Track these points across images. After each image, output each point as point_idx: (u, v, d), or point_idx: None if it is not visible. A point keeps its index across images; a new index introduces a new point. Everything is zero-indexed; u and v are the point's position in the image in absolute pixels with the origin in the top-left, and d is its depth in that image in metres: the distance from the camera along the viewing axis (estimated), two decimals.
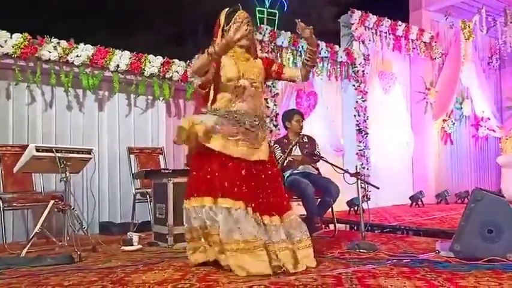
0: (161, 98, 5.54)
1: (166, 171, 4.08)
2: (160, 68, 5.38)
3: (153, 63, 5.35)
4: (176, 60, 5.54)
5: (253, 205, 2.62)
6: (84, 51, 4.88)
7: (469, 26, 8.18)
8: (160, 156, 5.29)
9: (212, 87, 2.81)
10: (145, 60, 5.30)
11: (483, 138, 8.78)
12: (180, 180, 3.88)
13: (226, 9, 2.86)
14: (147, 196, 4.62)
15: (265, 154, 2.78)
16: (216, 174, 2.65)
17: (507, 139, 7.87)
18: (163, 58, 5.44)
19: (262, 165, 2.76)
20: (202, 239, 2.74)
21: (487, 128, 8.60)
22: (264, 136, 2.84)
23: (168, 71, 5.44)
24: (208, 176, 2.68)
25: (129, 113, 5.41)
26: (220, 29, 2.82)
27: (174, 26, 11.11)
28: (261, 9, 6.62)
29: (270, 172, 2.78)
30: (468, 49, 8.26)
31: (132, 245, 3.66)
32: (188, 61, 5.63)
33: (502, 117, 8.86)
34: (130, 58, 5.19)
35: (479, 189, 2.91)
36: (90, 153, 3.73)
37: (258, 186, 2.70)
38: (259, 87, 2.85)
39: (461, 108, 8.44)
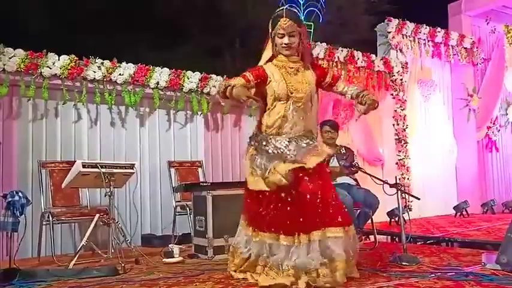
0: (199, 113, 5.66)
1: (205, 184, 4.16)
2: (198, 84, 5.51)
3: (192, 78, 5.49)
4: (213, 75, 5.66)
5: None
6: (126, 70, 5.08)
7: None
8: (200, 170, 5.39)
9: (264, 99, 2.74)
10: (183, 76, 5.44)
11: None
12: (219, 193, 3.95)
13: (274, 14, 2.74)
14: (187, 209, 4.72)
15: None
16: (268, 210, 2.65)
17: None
18: (201, 73, 5.57)
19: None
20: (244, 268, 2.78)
21: None
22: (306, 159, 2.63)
23: (205, 86, 5.56)
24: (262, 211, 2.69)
25: (169, 128, 5.56)
26: (269, 35, 2.75)
27: (211, 40, 11.31)
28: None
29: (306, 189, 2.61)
30: None
31: (173, 257, 3.74)
32: (225, 76, 5.74)
33: None
34: (169, 75, 5.35)
35: None
36: (132, 168, 3.87)
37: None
38: (310, 104, 2.72)
39: (507, 114, 8.11)
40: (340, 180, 4.33)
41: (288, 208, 2.58)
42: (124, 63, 5.10)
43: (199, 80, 5.53)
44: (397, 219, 5.60)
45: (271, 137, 2.69)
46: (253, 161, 2.70)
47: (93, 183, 3.76)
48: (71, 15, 10.68)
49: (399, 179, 5.67)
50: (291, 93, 2.66)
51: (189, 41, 11.35)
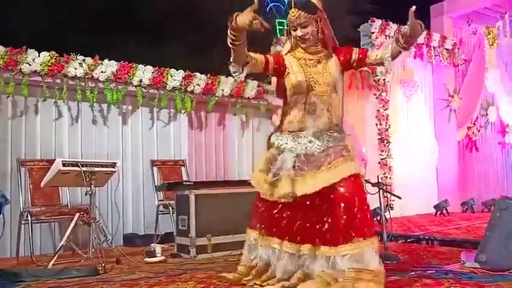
0: (183, 111, 5.62)
1: (188, 183, 4.13)
2: (182, 82, 5.48)
3: (175, 76, 5.45)
4: (198, 74, 5.63)
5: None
6: (108, 67, 5.01)
7: (492, 32, 8.04)
8: (183, 169, 5.36)
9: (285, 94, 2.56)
10: (167, 74, 5.40)
11: (510, 145, 8.56)
12: (202, 192, 3.93)
13: None
14: (170, 208, 4.68)
15: (326, 180, 2.34)
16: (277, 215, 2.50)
17: None
18: (185, 72, 5.54)
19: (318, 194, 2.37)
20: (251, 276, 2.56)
21: None
22: (330, 160, 2.40)
23: (189, 84, 5.53)
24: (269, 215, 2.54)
25: (152, 126, 5.51)
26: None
27: (196, 39, 11.26)
28: (281, 20, 6.68)
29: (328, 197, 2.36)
30: (492, 55, 8.12)
31: (155, 256, 3.71)
32: (209, 74, 5.72)
33: None
34: (153, 72, 5.30)
35: (504, 198, 2.85)
36: (114, 167, 3.82)
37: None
38: (334, 94, 2.50)
39: (487, 114, 8.27)
40: None
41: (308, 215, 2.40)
42: (106, 61, 5.03)
43: (183, 78, 5.49)
44: (378, 218, 5.65)
45: (293, 133, 2.47)
46: (272, 161, 2.51)
47: (73, 182, 3.70)
48: (57, 14, 10.51)
49: (381, 178, 5.73)
50: (311, 86, 2.46)
51: (173, 40, 11.28)
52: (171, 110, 5.62)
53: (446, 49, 7.71)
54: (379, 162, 6.76)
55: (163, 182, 4.82)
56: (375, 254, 2.26)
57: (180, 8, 11.23)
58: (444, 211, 6.71)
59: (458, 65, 7.90)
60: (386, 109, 6.90)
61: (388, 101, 6.94)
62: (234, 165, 6.05)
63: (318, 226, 2.37)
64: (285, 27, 6.65)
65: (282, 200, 2.43)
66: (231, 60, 2.37)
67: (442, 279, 2.54)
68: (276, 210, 2.47)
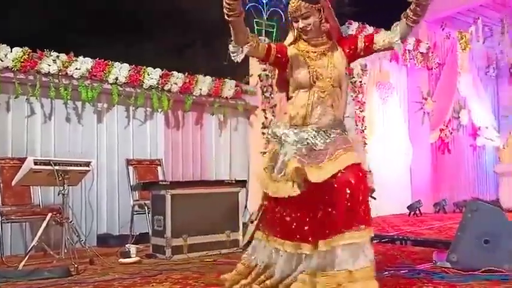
0: (160, 110, 5.57)
1: (165, 183, 4.09)
2: (159, 80, 5.42)
3: (152, 75, 5.39)
4: (175, 72, 5.58)
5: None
6: (83, 64, 4.91)
7: (465, 37, 8.25)
8: (159, 168, 5.30)
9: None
10: (144, 72, 5.33)
11: (481, 147, 8.81)
12: (179, 192, 3.90)
13: None
14: (145, 208, 4.63)
15: (320, 175, 2.21)
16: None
17: (504, 148, 7.89)
18: (162, 70, 5.48)
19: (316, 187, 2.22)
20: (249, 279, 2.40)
21: (485, 137, 8.63)
22: (332, 152, 2.26)
23: (167, 83, 5.48)
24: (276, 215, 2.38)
25: (128, 125, 5.43)
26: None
27: (173, 37, 11.17)
28: (259, 20, 6.69)
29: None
30: (465, 59, 8.33)
31: (130, 257, 3.66)
32: (187, 73, 5.68)
33: (500, 126, 8.89)
34: (129, 70, 5.23)
35: (475, 199, 2.93)
36: (88, 166, 3.75)
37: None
38: (339, 89, 2.38)
39: (459, 117, 8.48)
40: None
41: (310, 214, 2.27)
42: (81, 58, 4.93)
43: (160, 76, 5.44)
44: None
45: (296, 128, 2.34)
46: (275, 158, 2.38)
47: (45, 181, 3.62)
48: (38, 11, 10.25)
49: None
50: (314, 80, 2.31)
51: (151, 38, 11.15)
52: (148, 108, 5.55)
53: (420, 53, 7.86)
54: None
55: (139, 182, 4.76)
56: (371, 245, 2.21)
57: (159, 7, 11.12)
58: (417, 212, 6.85)
59: (432, 69, 8.08)
60: (362, 111, 6.99)
61: (365, 102, 7.04)
62: (211, 165, 6.03)
63: (319, 220, 2.22)
64: (263, 27, 6.66)
65: (288, 192, 2.25)
66: (231, 39, 2.24)
67: (415, 278, 2.59)
68: (278, 209, 2.35)
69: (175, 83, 5.54)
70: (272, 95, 6.32)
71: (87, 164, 3.76)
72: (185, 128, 5.85)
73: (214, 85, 5.87)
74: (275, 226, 2.36)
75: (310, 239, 2.23)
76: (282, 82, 2.47)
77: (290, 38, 2.46)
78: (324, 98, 2.32)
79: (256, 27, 6.58)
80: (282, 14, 6.92)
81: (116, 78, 5.13)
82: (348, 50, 2.40)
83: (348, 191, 2.15)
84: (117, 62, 5.17)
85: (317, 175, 2.19)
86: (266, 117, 6.23)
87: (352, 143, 2.37)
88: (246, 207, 4.55)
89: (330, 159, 2.24)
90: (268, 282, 2.30)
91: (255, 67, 6.33)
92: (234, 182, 4.38)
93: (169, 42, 11.05)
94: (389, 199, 6.91)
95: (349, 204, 2.15)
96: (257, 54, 2.35)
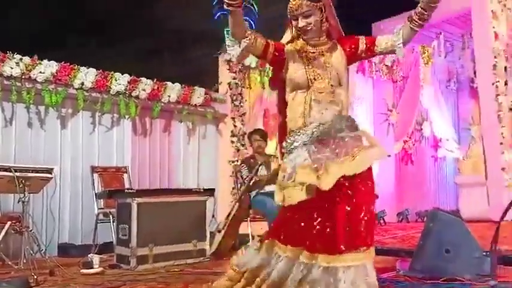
0: (127, 116, 5.47)
1: (131, 191, 4.02)
2: (127, 86, 5.33)
3: (120, 81, 5.30)
4: (143, 79, 5.52)
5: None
6: (47, 68, 4.78)
7: (428, 51, 8.56)
8: (125, 176, 5.19)
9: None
10: (111, 78, 5.24)
11: (442, 159, 9.12)
12: (145, 201, 3.84)
13: None
14: (110, 216, 4.52)
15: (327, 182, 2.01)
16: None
17: (464, 159, 8.20)
18: (131, 76, 5.40)
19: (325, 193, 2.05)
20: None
21: (446, 149, 8.95)
22: (347, 150, 2.07)
23: (134, 89, 5.40)
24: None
25: (93, 131, 5.31)
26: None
27: (144, 43, 11.06)
28: (229, 29, 6.71)
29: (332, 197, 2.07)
30: (427, 73, 8.64)
31: (92, 267, 3.56)
32: (155, 80, 5.62)
33: (460, 138, 9.24)
34: (96, 75, 5.12)
35: (436, 209, 3.02)
36: (50, 173, 3.63)
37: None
38: (339, 89, 2.24)
39: (422, 129, 8.76)
40: (268, 188, 4.40)
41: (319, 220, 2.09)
42: (46, 61, 4.80)
43: (128, 82, 5.36)
44: None
45: (298, 130, 2.20)
46: (283, 167, 2.23)
47: (5, 188, 3.48)
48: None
49: None
50: (312, 81, 2.20)
51: (120, 44, 10.99)
52: (115, 114, 5.44)
53: (386, 65, 8.10)
54: None
55: (104, 190, 4.65)
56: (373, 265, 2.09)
57: (129, 12, 10.99)
58: (381, 221, 7.00)
59: (396, 81, 8.34)
60: None
61: None
62: (179, 173, 5.96)
63: (320, 229, 2.07)
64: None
65: (297, 198, 2.08)
66: (231, 32, 2.14)
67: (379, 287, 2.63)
68: (284, 214, 2.19)
69: (144, 90, 5.47)
70: (242, 104, 6.34)
71: (50, 170, 3.64)
72: (153, 135, 5.78)
73: (183, 92, 5.83)
74: (279, 231, 2.21)
75: (310, 247, 2.07)
76: (278, 82, 2.36)
77: (287, 36, 2.35)
78: (323, 97, 2.19)
79: (226, 36, 6.59)
80: (252, 24, 6.98)
81: (82, 83, 5.01)
82: (348, 49, 2.29)
83: (348, 208, 2.03)
84: (83, 67, 5.06)
85: (333, 175, 2.00)
86: (235, 126, 6.24)
87: (370, 138, 2.20)
88: (213, 216, 4.52)
89: (348, 157, 2.04)
90: (264, 286, 2.15)
91: (225, 75, 6.34)
92: (202, 190, 4.35)
93: (139, 48, 10.93)
94: None
95: (353, 220, 2.02)
96: (254, 51, 2.21)
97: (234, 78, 6.30)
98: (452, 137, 8.98)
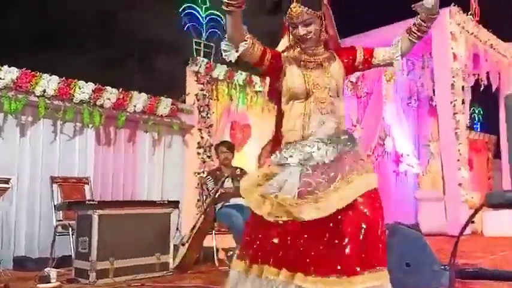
0: (90, 126, 5.35)
1: (92, 202, 3.91)
2: (91, 95, 5.22)
3: (84, 89, 5.18)
4: (109, 87, 5.42)
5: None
6: (8, 74, 4.61)
7: (389, 69, 8.85)
8: (86, 187, 5.04)
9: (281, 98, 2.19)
10: (75, 86, 5.12)
11: (403, 173, 9.39)
12: (107, 213, 3.74)
13: None
14: (70, 229, 4.37)
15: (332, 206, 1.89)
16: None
17: (424, 175, 8.48)
18: (95, 84, 5.29)
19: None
20: None
21: (406, 164, 9.23)
22: (344, 173, 1.97)
23: (99, 98, 5.29)
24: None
25: (54, 140, 5.15)
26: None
27: (109, 52, 10.91)
28: (198, 41, 6.72)
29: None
30: (390, 90, 8.93)
31: (50, 282, 3.42)
32: (121, 89, 5.53)
33: (420, 154, 9.56)
34: (59, 83, 4.99)
35: (396, 223, 3.10)
36: (7, 183, 3.48)
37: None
38: (337, 100, 2.15)
39: (384, 144, 9.01)
40: (234, 201, 4.39)
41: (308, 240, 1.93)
42: (6, 67, 4.64)
43: (93, 91, 5.24)
44: None
45: (295, 143, 2.08)
46: (270, 178, 2.06)
47: None
48: None
49: None
50: (311, 91, 2.09)
51: (86, 52, 10.80)
52: (78, 123, 5.30)
53: (350, 81, 8.31)
54: None
55: (64, 201, 4.50)
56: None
57: (95, 21, 10.84)
58: None
59: (361, 97, 8.56)
60: None
61: None
62: (143, 184, 5.85)
63: (325, 250, 1.90)
64: (202, 47, 6.69)
65: (278, 219, 1.95)
66: (226, 36, 2.00)
67: None
68: (271, 232, 1.98)
69: (109, 99, 5.37)
70: (209, 115, 6.33)
71: (6, 181, 3.49)
72: (117, 145, 5.66)
73: (149, 102, 5.77)
74: (267, 252, 1.98)
75: (312, 269, 1.87)
76: (274, 92, 2.25)
77: (283, 44, 2.26)
78: (322, 108, 2.09)
79: (194, 47, 6.60)
80: (221, 35, 7.01)
81: (44, 91, 4.87)
82: (346, 61, 2.21)
83: (364, 226, 1.89)
84: (45, 74, 4.92)
85: (324, 209, 1.89)
86: (202, 137, 6.21)
87: (367, 161, 2.13)
88: (177, 228, 4.46)
89: (344, 181, 1.95)
90: None
91: (193, 86, 6.32)
92: (166, 202, 4.29)
93: (106, 57, 10.78)
94: None
95: (365, 240, 1.89)
96: (251, 57, 2.06)
97: (202, 90, 6.30)
98: (412, 153, 9.28)
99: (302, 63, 2.14)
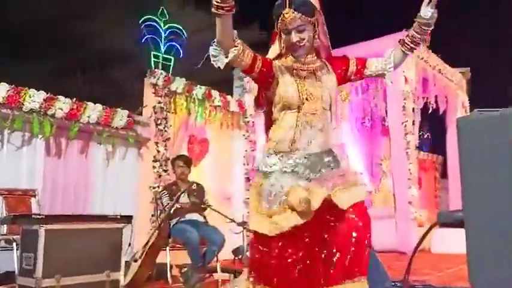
0: (40, 136, 5.12)
1: (38, 216, 3.71)
2: (42, 104, 5.01)
3: (34, 97, 4.97)
4: (61, 97, 5.23)
5: None
6: None
7: (345, 88, 9.12)
8: (33, 199, 4.79)
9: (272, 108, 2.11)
10: (25, 94, 4.90)
11: None
12: (54, 227, 3.56)
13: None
14: (14, 244, 4.13)
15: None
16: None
17: (376, 193, 8.72)
18: (47, 93, 5.09)
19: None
20: None
21: None
22: (335, 183, 1.98)
23: (50, 108, 5.09)
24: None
25: (1, 149, 4.88)
26: (276, 27, 2.09)
27: (64, 61, 10.56)
28: (157, 53, 6.65)
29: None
30: (345, 109, 9.18)
31: None
32: (75, 99, 5.35)
33: (373, 172, 9.85)
34: (8, 91, 4.76)
35: None
36: None
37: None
38: (329, 112, 2.10)
39: None
40: (189, 216, 4.32)
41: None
42: None
43: (44, 100, 5.04)
44: (241, 257, 5.77)
45: (282, 153, 2.01)
46: (260, 192, 2.01)
47: None
48: None
49: (246, 217, 5.89)
50: (304, 100, 2.01)
51: (37, 59, 10.40)
52: (26, 133, 5.07)
53: None
54: (244, 201, 6.97)
55: (8, 214, 4.25)
56: None
57: (52, 28, 10.50)
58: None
59: None
60: (253, 150, 7.23)
61: (256, 142, 7.30)
62: (96, 198, 5.64)
63: (323, 263, 1.92)
64: (160, 60, 6.62)
65: (293, 221, 1.88)
66: (215, 40, 1.89)
67: None
68: (275, 251, 1.92)
69: (61, 108, 5.18)
70: (166, 128, 6.23)
71: None
72: (68, 157, 5.44)
73: (104, 113, 5.61)
74: (272, 274, 1.93)
75: (322, 281, 1.88)
76: (263, 101, 2.19)
77: (273, 52, 2.17)
78: (314, 120, 2.03)
79: (153, 60, 6.53)
80: (179, 48, 6.99)
81: None
82: (339, 71, 2.16)
83: (355, 235, 1.90)
84: None
85: (321, 196, 1.89)
86: (158, 151, 6.10)
87: (354, 174, 2.14)
88: (130, 244, 4.31)
89: (340, 188, 1.95)
90: None
91: (150, 99, 6.22)
92: (118, 217, 4.15)
93: (60, 65, 10.43)
94: None
95: (353, 250, 1.90)
96: (241, 64, 1.95)
97: (160, 102, 6.20)
98: (365, 171, 9.54)
99: (294, 71, 2.06)
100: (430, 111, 8.98)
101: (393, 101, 7.76)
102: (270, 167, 2.01)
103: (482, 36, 13.84)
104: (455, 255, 5.63)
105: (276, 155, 2.02)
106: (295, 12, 1.96)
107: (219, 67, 1.93)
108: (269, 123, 2.18)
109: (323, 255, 1.92)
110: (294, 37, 2.01)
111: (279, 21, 2.01)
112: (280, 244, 1.91)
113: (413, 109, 7.79)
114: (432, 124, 12.15)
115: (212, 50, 1.91)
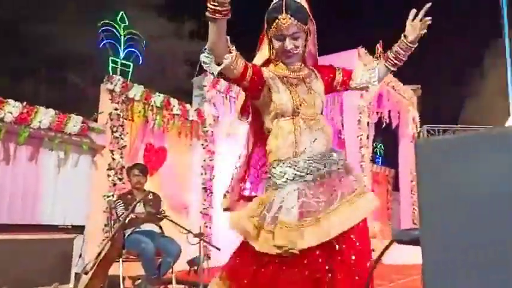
0: None
1: None
2: None
3: None
4: (11, 101, 4.99)
5: None
6: None
7: None
8: None
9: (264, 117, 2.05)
10: None
11: None
12: (0, 238, 3.38)
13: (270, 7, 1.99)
14: None
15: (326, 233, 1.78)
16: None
17: None
18: None
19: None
20: None
21: None
22: (343, 192, 1.89)
23: None
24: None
25: None
26: (265, 31, 2.04)
27: (15, 62, 10.11)
28: (115, 59, 6.51)
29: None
30: None
31: None
32: (25, 102, 5.12)
33: None
34: None
35: None
36: None
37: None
38: (322, 117, 2.08)
39: None
40: (145, 227, 4.22)
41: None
42: None
43: None
44: (196, 268, 5.69)
45: (287, 161, 1.93)
46: (266, 203, 1.91)
47: None
48: None
49: (203, 228, 5.83)
50: (298, 107, 1.97)
51: None
52: None
53: None
54: (201, 212, 6.90)
55: None
56: None
57: (4, 30, 10.03)
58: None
59: None
60: (212, 160, 7.19)
61: (214, 152, 7.26)
62: (45, 206, 5.39)
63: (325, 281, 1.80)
64: (118, 66, 6.48)
65: (275, 252, 1.78)
66: (207, 46, 1.78)
67: None
68: (265, 269, 1.82)
69: (10, 112, 4.94)
70: (122, 136, 6.08)
71: None
72: (17, 163, 5.18)
73: (57, 119, 5.40)
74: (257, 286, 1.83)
75: None
76: (249, 109, 2.13)
77: (261, 57, 2.11)
78: (312, 125, 1.99)
79: (111, 65, 6.38)
80: (139, 55, 6.87)
81: None
82: (326, 78, 2.15)
83: (354, 258, 1.81)
84: None
85: (325, 233, 1.77)
86: (114, 159, 5.93)
87: (358, 179, 2.08)
88: (81, 255, 4.15)
89: (344, 201, 1.86)
90: None
91: (106, 105, 6.05)
92: (69, 227, 4.01)
93: (11, 67, 9.97)
94: (230, 248, 7.06)
95: (354, 271, 1.80)
96: (233, 72, 1.85)
97: (116, 109, 6.05)
98: None
99: (285, 79, 2.02)
100: (383, 126, 9.32)
101: (349, 114, 7.98)
102: (282, 177, 1.91)
103: (433, 56, 14.58)
104: (407, 266, 5.83)
105: (282, 162, 1.93)
106: (292, 19, 1.92)
107: (199, 73, 1.89)
108: (255, 134, 2.14)
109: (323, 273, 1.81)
110: (289, 44, 1.97)
111: (272, 26, 1.95)
112: (272, 261, 1.81)
113: (367, 123, 8.05)
114: (385, 138, 12.59)
115: (203, 57, 1.82)
